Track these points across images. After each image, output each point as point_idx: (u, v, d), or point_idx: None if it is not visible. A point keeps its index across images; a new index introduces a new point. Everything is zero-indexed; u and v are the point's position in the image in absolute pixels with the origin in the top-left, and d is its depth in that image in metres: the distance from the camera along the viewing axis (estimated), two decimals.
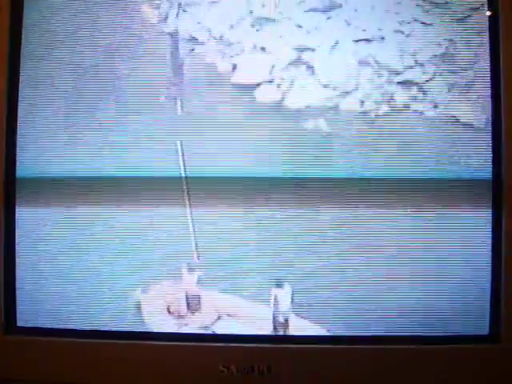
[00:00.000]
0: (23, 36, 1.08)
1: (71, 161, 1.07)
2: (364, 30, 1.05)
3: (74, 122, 1.07)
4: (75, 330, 1.07)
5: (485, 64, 1.04)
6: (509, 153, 1.03)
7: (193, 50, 1.07)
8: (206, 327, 1.07)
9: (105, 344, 1.05)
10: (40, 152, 1.08)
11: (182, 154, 1.05)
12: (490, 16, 1.04)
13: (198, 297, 1.07)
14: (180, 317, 1.07)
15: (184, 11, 1.08)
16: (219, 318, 1.07)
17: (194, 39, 1.08)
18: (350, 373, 1.03)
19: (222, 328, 1.07)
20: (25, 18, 1.08)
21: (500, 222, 1.03)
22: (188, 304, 1.07)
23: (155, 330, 1.07)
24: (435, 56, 1.05)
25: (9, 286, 1.08)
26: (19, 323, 1.08)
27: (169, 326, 1.07)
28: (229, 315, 1.07)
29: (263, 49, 1.07)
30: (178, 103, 1.06)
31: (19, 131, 1.08)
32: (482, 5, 1.04)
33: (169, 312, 1.08)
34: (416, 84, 1.05)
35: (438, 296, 1.04)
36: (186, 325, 1.07)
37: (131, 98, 1.07)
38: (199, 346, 1.05)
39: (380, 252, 1.04)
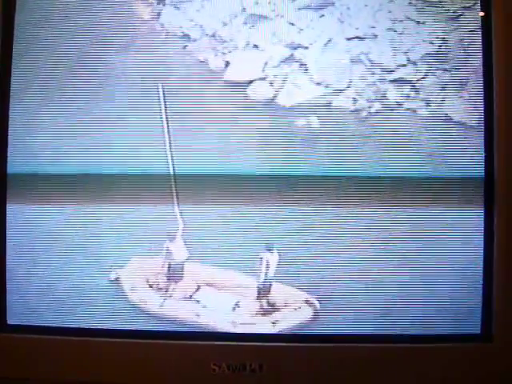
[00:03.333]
0: (15, 33, 1.08)
1: (61, 157, 1.07)
2: (357, 28, 1.06)
3: (65, 119, 1.07)
4: (66, 327, 1.07)
5: (477, 62, 1.05)
6: (501, 151, 1.03)
7: (185, 47, 1.08)
8: (186, 298, 1.08)
9: (95, 342, 1.05)
10: (30, 148, 1.08)
11: (170, 147, 1.06)
12: (482, 15, 1.05)
13: (178, 268, 1.08)
14: (159, 289, 1.08)
15: (176, 8, 1.08)
16: (199, 288, 1.08)
17: (186, 36, 1.08)
18: (342, 371, 1.03)
19: (203, 298, 1.07)
20: (17, 13, 1.08)
21: (492, 222, 1.03)
22: (168, 276, 1.08)
23: (146, 328, 1.07)
24: (428, 54, 1.06)
25: None
26: (9, 321, 1.08)
27: (151, 299, 1.08)
28: (208, 285, 1.08)
29: (256, 46, 1.07)
30: (170, 100, 1.06)
31: (10, 126, 1.07)
32: (474, 4, 1.05)
33: (149, 286, 1.08)
34: (409, 82, 1.06)
35: (431, 295, 1.05)
36: (168, 297, 1.08)
37: (123, 95, 1.07)
38: (190, 345, 1.04)
39: (370, 251, 1.05)
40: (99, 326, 1.07)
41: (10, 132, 1.08)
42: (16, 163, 1.07)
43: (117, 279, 1.07)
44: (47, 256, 1.08)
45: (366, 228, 1.05)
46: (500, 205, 1.03)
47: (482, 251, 1.04)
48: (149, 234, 1.07)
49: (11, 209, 1.08)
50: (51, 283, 1.08)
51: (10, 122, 1.08)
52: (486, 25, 1.04)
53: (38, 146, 1.08)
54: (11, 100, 1.07)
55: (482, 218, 1.04)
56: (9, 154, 1.08)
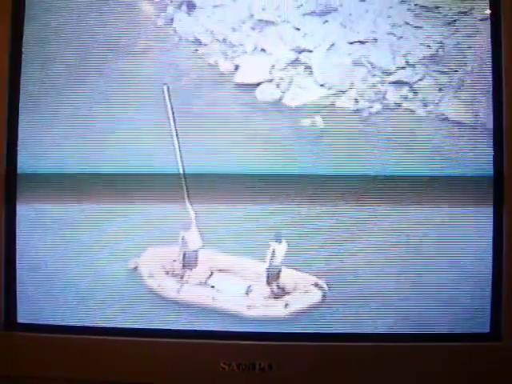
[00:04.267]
0: (24, 34, 1.09)
1: (72, 157, 1.09)
2: (358, 33, 1.08)
3: (75, 119, 1.09)
4: (75, 326, 1.08)
5: (473, 64, 1.06)
6: (510, 150, 1.03)
7: (196, 51, 1.10)
8: (202, 283, 1.10)
9: (105, 340, 1.06)
10: (41, 148, 1.09)
11: (180, 149, 1.08)
12: (491, 14, 1.06)
13: (193, 255, 1.10)
14: (175, 275, 1.10)
15: (188, 14, 1.11)
16: (212, 273, 1.10)
17: (197, 41, 1.10)
18: (351, 370, 1.04)
19: (217, 283, 1.10)
20: (27, 12, 1.09)
21: (501, 219, 1.03)
22: (183, 263, 1.10)
23: (155, 327, 1.08)
24: (425, 57, 1.07)
25: (9, 283, 1.08)
26: (19, 320, 1.09)
27: (168, 285, 1.10)
28: (220, 271, 1.10)
29: (263, 50, 1.10)
30: (182, 101, 1.08)
31: (20, 126, 1.09)
32: (471, 9, 1.07)
33: (166, 273, 1.10)
34: (407, 84, 1.08)
35: (439, 294, 1.05)
36: (185, 283, 1.10)
37: (135, 96, 1.09)
38: (200, 344, 1.05)
39: (377, 250, 1.06)
40: (109, 325, 1.08)
41: (20, 132, 1.09)
42: (29, 163, 1.09)
43: (135, 268, 1.08)
44: (58, 256, 1.09)
45: (372, 225, 1.06)
46: (509, 204, 1.03)
47: (491, 250, 1.04)
48: (164, 224, 1.08)
49: (22, 209, 1.08)
50: (62, 283, 1.09)
51: (20, 122, 1.09)
52: (494, 25, 1.05)
53: (60, 146, 1.09)
54: (21, 101, 1.09)
55: (491, 217, 1.04)
56: (20, 154, 1.09)
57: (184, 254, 1.09)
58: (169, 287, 1.09)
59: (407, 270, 1.06)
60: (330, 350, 1.04)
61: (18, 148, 1.09)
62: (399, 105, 1.07)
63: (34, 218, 1.09)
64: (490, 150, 1.05)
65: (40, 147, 1.09)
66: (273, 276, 1.08)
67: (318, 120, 1.08)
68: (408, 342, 1.04)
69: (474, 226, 1.05)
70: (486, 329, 1.04)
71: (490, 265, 1.04)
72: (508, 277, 1.02)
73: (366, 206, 1.06)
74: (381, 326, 1.06)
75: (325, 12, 1.09)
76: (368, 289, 1.06)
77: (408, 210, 1.05)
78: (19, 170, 1.09)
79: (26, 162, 1.09)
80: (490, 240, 1.04)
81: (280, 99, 1.09)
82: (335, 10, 1.09)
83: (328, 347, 1.04)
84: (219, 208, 1.07)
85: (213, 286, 1.09)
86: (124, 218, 1.08)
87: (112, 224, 1.08)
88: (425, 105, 1.07)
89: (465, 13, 1.07)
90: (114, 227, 1.08)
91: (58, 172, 1.09)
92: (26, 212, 1.09)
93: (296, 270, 1.07)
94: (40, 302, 1.09)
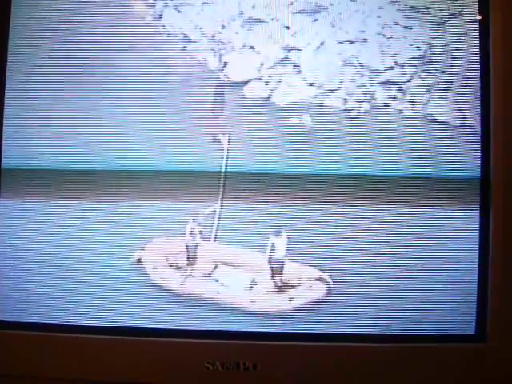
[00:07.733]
0: (10, 28, 1.09)
1: (72, 152, 1.09)
2: (347, 32, 1.09)
3: (62, 113, 1.09)
4: (53, 324, 1.07)
5: (462, 66, 1.07)
6: (497, 151, 1.04)
7: (185, 47, 1.10)
8: (205, 276, 1.09)
9: (87, 339, 1.05)
10: (26, 142, 1.09)
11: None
12: (480, 16, 1.07)
13: (196, 248, 1.09)
14: (178, 268, 1.10)
15: (178, 11, 1.11)
16: (216, 267, 1.10)
17: (186, 37, 1.10)
18: (336, 370, 1.03)
19: (222, 276, 1.09)
20: (14, 5, 1.10)
21: (488, 221, 1.04)
22: (187, 255, 1.09)
23: (138, 326, 1.07)
24: (414, 58, 1.08)
25: None
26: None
27: (172, 278, 1.10)
28: (225, 264, 1.09)
29: (252, 48, 1.10)
30: (170, 97, 1.09)
31: (5, 121, 1.09)
32: (461, 10, 1.08)
33: (170, 265, 1.10)
34: (396, 84, 1.09)
35: (425, 295, 1.05)
36: (188, 276, 1.09)
37: (125, 92, 1.09)
38: (184, 343, 1.04)
39: (361, 252, 1.06)
40: (90, 323, 1.07)
41: (4, 126, 1.08)
42: (13, 158, 1.09)
43: (139, 260, 1.08)
44: (38, 254, 1.08)
45: (356, 227, 1.06)
46: (496, 206, 1.03)
47: (477, 251, 1.04)
48: (168, 218, 1.08)
49: (1, 204, 1.08)
50: (39, 280, 1.08)
51: (4, 117, 1.08)
52: (483, 25, 1.06)
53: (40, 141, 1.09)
54: (6, 94, 1.08)
55: (478, 218, 1.04)
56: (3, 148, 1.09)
57: (187, 246, 1.09)
58: (172, 280, 1.09)
59: (392, 271, 1.06)
60: (316, 350, 1.04)
61: (2, 142, 1.08)
62: (387, 105, 1.08)
63: (13, 214, 1.08)
64: (478, 152, 1.06)
65: (26, 142, 1.09)
66: (276, 270, 1.08)
67: (307, 119, 1.08)
68: (393, 343, 1.04)
69: (460, 227, 1.06)
70: (472, 330, 1.05)
71: (476, 266, 1.05)
72: (493, 279, 1.03)
73: (351, 205, 1.06)
74: (365, 328, 1.06)
75: (315, 11, 1.09)
76: (353, 292, 1.06)
77: (394, 211, 1.06)
78: (3, 165, 1.09)
79: (11, 156, 1.08)
80: (477, 241, 1.05)
81: (268, 97, 1.10)
82: (325, 9, 1.09)
83: (314, 347, 1.04)
84: (220, 203, 1.08)
85: (217, 280, 1.09)
86: (129, 212, 1.09)
87: (116, 218, 1.09)
88: (413, 105, 1.08)
89: (454, 14, 1.08)
90: (118, 221, 1.09)
91: (46, 168, 1.08)
92: (6, 208, 1.08)
93: (300, 263, 1.07)
94: (16, 299, 1.08)
